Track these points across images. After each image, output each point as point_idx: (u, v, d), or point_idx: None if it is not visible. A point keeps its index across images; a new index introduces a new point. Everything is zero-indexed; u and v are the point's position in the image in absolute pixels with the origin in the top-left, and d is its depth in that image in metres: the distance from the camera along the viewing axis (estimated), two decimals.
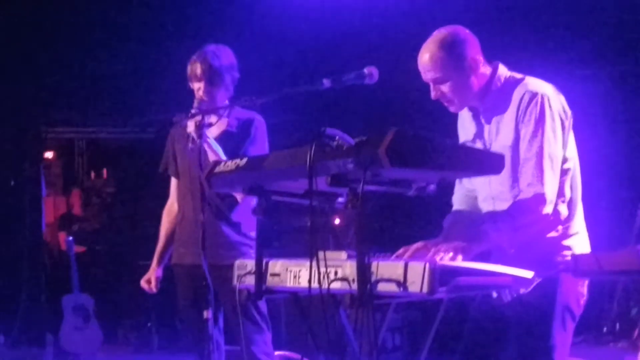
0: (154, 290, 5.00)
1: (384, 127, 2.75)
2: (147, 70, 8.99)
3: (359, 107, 8.15)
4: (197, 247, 4.30)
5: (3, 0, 8.39)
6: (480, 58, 3.46)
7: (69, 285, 8.54)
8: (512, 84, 3.44)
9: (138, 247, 10.11)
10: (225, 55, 4.70)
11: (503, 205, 3.39)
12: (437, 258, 3.00)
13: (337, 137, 2.85)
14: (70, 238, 8.88)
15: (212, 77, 4.62)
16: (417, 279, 2.74)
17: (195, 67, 4.65)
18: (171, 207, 5.02)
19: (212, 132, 4.66)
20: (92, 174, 12.29)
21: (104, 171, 12.13)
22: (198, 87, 4.66)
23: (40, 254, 9.52)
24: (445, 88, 3.42)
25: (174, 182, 4.99)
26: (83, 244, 10.38)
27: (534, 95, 3.35)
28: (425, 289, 2.72)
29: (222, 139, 4.63)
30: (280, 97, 3.62)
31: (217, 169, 3.35)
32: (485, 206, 3.54)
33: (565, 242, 3.39)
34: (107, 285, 9.82)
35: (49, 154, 11.71)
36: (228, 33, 7.35)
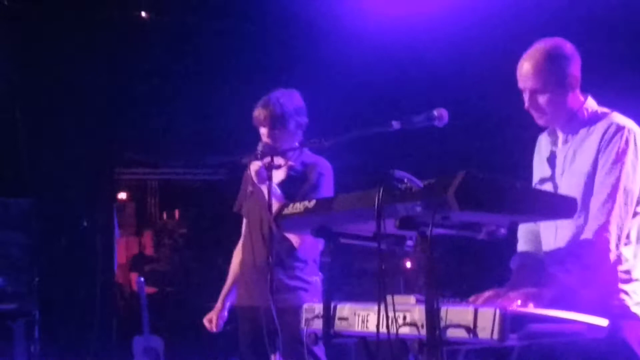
0: (214, 329, 4.99)
1: (453, 170, 2.71)
2: (219, 112, 9.07)
3: (428, 149, 8.11)
4: (254, 290, 4.28)
5: (78, 43, 8.55)
6: (579, 78, 3.43)
7: (140, 326, 8.59)
8: (599, 116, 3.41)
9: (208, 288, 10.16)
10: (289, 101, 4.71)
11: (565, 233, 3.33)
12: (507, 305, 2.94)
13: (405, 180, 2.82)
14: (142, 279, 8.95)
15: (274, 122, 4.65)
16: (488, 325, 2.69)
17: (259, 113, 4.69)
18: (240, 249, 5.03)
19: (277, 176, 4.65)
20: (164, 215, 12.41)
21: (176, 212, 12.24)
22: (263, 131, 4.70)
23: (112, 295, 9.61)
24: (542, 99, 3.39)
25: (245, 222, 5.00)
26: (154, 285, 10.47)
27: (620, 127, 3.32)
28: (495, 336, 2.67)
29: (285, 182, 4.62)
30: (350, 138, 3.60)
31: (286, 211, 3.34)
32: (547, 234, 3.47)
33: (624, 287, 3.30)
34: (177, 327, 9.86)
35: (122, 195, 11.86)
36: (297, 74, 7.38)
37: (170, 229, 12.09)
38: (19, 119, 8.95)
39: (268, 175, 4.30)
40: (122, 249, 11.51)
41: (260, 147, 4.53)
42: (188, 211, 11.85)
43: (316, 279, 4.69)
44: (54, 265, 8.68)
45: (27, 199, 8.63)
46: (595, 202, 3.26)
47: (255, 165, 4.45)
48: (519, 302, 2.97)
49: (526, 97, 3.42)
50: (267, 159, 4.35)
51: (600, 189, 3.26)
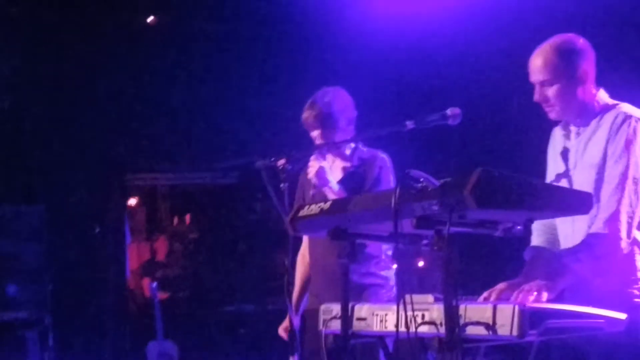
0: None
1: (469, 168, 2.72)
2: (229, 115, 9.08)
3: (443, 148, 8.11)
4: (328, 292, 4.25)
5: (89, 49, 8.57)
6: (592, 73, 3.44)
7: (153, 331, 8.60)
8: (608, 108, 3.43)
9: (221, 292, 10.18)
10: (336, 98, 4.66)
11: (582, 225, 3.33)
12: (521, 297, 2.96)
13: (422, 179, 2.82)
14: (154, 284, 8.96)
15: (324, 122, 4.59)
16: (507, 321, 2.70)
17: (308, 115, 4.63)
18: (304, 253, 4.95)
19: (335, 174, 4.60)
20: (175, 220, 12.41)
21: (187, 217, 12.24)
22: (315, 134, 4.65)
23: (124, 301, 9.63)
24: (550, 92, 3.41)
25: None
26: (166, 290, 10.47)
27: (627, 117, 3.33)
28: (515, 332, 2.68)
29: (345, 179, 4.58)
30: (364, 138, 3.61)
31: (302, 213, 3.34)
32: (563, 227, 3.48)
33: None
34: (191, 332, 9.86)
35: (132, 201, 11.87)
36: (309, 77, 7.40)
37: (181, 234, 12.09)
38: (29, 126, 8.99)
39: (318, 175, 4.21)
40: (134, 255, 11.52)
41: (315, 150, 4.49)
42: (199, 216, 11.86)
43: (391, 273, 4.58)
44: (66, 272, 8.71)
45: (38, 206, 8.67)
46: (605, 192, 3.27)
47: (313, 168, 4.41)
48: (535, 293, 2.98)
49: (536, 90, 3.44)
50: (316, 163, 4.30)
51: (609, 178, 3.28)
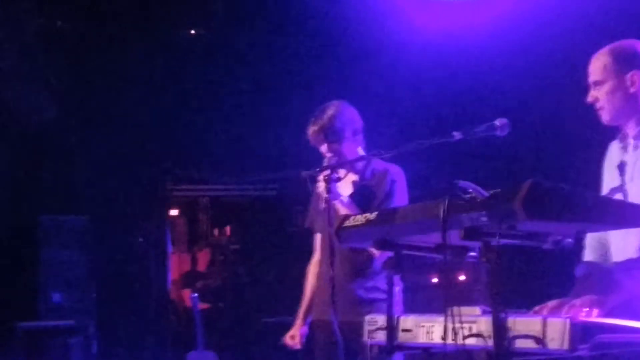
0: (298, 346, 4.96)
1: (518, 179, 2.69)
2: (271, 128, 9.11)
3: (492, 159, 8.05)
4: (332, 304, 4.27)
5: (130, 62, 8.64)
6: None
7: (194, 342, 8.62)
8: None
9: (261, 304, 10.18)
10: (337, 110, 4.70)
11: (634, 239, 3.29)
12: (572, 312, 2.92)
13: (470, 190, 2.80)
14: (195, 295, 8.98)
15: (329, 136, 4.64)
16: (557, 335, 2.66)
17: (312, 131, 4.70)
18: (316, 263, 5.01)
19: (345, 188, 4.63)
20: (216, 231, 12.45)
21: (228, 228, 12.27)
22: (322, 149, 4.69)
23: (166, 311, 9.67)
24: (599, 91, 3.40)
25: (317, 238, 4.98)
26: (207, 301, 10.49)
27: None
28: (565, 346, 2.64)
29: (357, 193, 4.61)
30: (411, 149, 3.60)
31: (347, 223, 3.33)
32: (616, 241, 3.43)
33: None
34: (231, 342, 9.87)
35: (174, 212, 11.92)
36: (351, 88, 7.39)
37: (222, 245, 12.11)
38: (74, 137, 9.07)
39: (329, 189, 4.27)
40: (175, 266, 11.56)
41: (326, 162, 4.53)
42: (240, 227, 11.89)
43: (397, 289, 4.62)
44: (110, 281, 8.77)
45: (81, 216, 8.74)
46: None
47: (322, 182, 4.43)
48: (586, 308, 2.94)
49: (589, 92, 3.42)
50: (327, 172, 4.33)
51: None
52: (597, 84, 3.40)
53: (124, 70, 8.73)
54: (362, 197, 4.59)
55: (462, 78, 8.16)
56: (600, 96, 3.39)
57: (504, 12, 7.30)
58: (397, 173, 4.70)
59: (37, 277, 8.41)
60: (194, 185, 10.95)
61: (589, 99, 3.44)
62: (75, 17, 8.45)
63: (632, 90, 3.39)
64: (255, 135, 9.33)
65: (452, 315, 2.87)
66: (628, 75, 3.38)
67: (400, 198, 4.63)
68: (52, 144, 8.99)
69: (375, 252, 4.55)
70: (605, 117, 3.46)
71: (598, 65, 3.40)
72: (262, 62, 8.81)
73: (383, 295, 4.61)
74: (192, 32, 9.03)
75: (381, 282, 4.64)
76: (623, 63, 3.38)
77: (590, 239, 3.58)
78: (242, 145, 9.51)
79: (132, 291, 9.06)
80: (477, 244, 2.90)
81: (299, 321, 4.98)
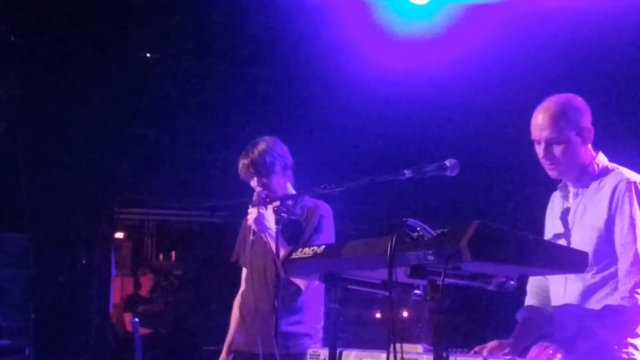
0: None
1: (465, 220, 2.72)
2: (219, 156, 9.09)
3: (439, 198, 8.12)
4: (256, 336, 4.31)
5: (81, 81, 8.57)
6: (592, 132, 3.49)
7: None
8: (609, 171, 3.48)
9: (203, 331, 10.11)
10: (267, 145, 4.75)
11: (576, 286, 3.37)
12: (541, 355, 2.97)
13: (418, 228, 2.82)
14: (137, 319, 8.90)
15: (259, 170, 4.69)
16: None
17: (242, 165, 4.74)
18: (240, 295, 5.02)
19: (273, 221, 4.65)
20: (161, 256, 12.38)
21: (173, 253, 12.22)
22: (252, 183, 4.74)
23: (106, 334, 9.54)
24: (557, 150, 3.44)
25: (244, 271, 5.00)
26: (148, 325, 10.40)
27: (630, 183, 3.37)
28: None
29: (285, 228, 4.63)
30: (361, 185, 3.62)
31: (294, 255, 3.33)
32: (556, 287, 3.50)
33: (633, 341, 3.33)
34: None
35: (119, 234, 11.83)
36: (308, 121, 7.43)
37: (166, 270, 12.06)
38: (20, 153, 8.96)
39: (276, 220, 4.29)
40: (117, 289, 11.46)
41: (255, 196, 4.57)
42: (185, 253, 11.84)
43: (320, 325, 4.69)
44: (50, 302, 8.64)
45: (25, 234, 8.62)
46: (622, 266, 3.32)
47: (252, 214, 4.47)
48: (551, 351, 2.99)
49: (541, 147, 3.46)
50: (256, 209, 4.37)
51: (623, 251, 3.32)
52: (554, 141, 3.43)
53: (76, 89, 8.65)
54: (290, 232, 4.62)
55: (415, 116, 8.23)
56: (559, 155, 3.44)
57: (458, 55, 7.39)
58: (326, 209, 4.77)
59: None
60: (141, 208, 10.88)
61: (543, 155, 3.47)
62: (29, 32, 8.36)
63: (584, 146, 3.46)
64: (204, 161, 9.30)
65: (395, 352, 2.88)
66: (582, 132, 3.44)
67: (328, 234, 4.70)
68: None
69: (302, 286, 4.58)
70: (556, 174, 3.52)
71: (551, 121, 3.43)
72: (215, 89, 8.80)
73: (306, 330, 4.66)
74: (148, 55, 8.99)
75: (306, 317, 4.69)
76: (575, 119, 3.44)
77: (531, 285, 3.65)
78: (190, 171, 9.47)
79: (72, 313, 8.93)
80: (422, 282, 2.92)
81: (224, 353, 5.01)
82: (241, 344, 4.85)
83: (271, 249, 4.38)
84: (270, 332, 4.31)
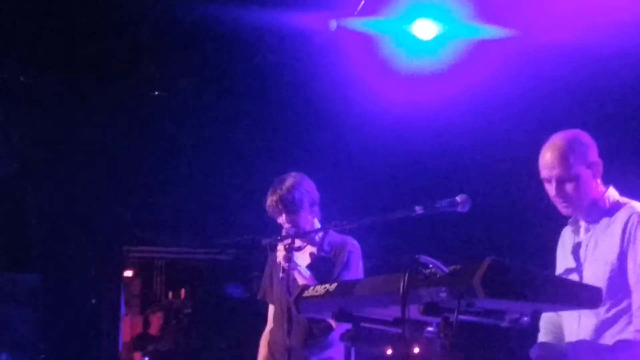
0: None
1: (479, 256, 2.72)
2: (229, 194, 9.10)
3: (450, 234, 8.10)
4: None
5: (89, 120, 8.60)
6: (601, 165, 3.49)
7: None
8: (620, 205, 3.47)
9: None
10: (296, 181, 4.74)
11: (589, 321, 3.36)
12: None
13: (430, 265, 2.82)
14: (146, 358, 8.87)
15: (288, 207, 4.67)
16: None
17: (270, 202, 4.72)
18: (268, 333, 5.00)
19: (303, 258, 4.65)
20: (170, 294, 12.34)
21: (182, 291, 12.18)
22: (280, 220, 4.73)
23: None
24: (569, 187, 3.43)
25: (271, 308, 4.98)
26: None
27: None
28: None
29: (314, 264, 4.62)
30: (372, 222, 3.62)
31: (306, 293, 3.34)
32: (569, 322, 3.48)
33: None
34: None
35: (128, 273, 11.81)
36: (320, 156, 7.44)
37: (175, 309, 12.01)
38: (30, 194, 8.98)
39: (289, 258, 4.28)
40: (127, 328, 11.41)
41: (284, 232, 4.56)
42: (194, 291, 11.80)
43: None
44: (59, 342, 8.62)
45: (34, 274, 8.62)
46: (636, 300, 3.31)
47: (281, 251, 4.44)
48: None
49: (552, 186, 3.45)
50: (287, 241, 4.34)
51: (637, 284, 3.31)
52: (565, 179, 3.43)
53: (83, 128, 8.67)
54: (320, 269, 4.61)
55: (424, 151, 8.24)
56: (571, 192, 3.43)
57: (468, 88, 7.40)
58: (354, 245, 4.75)
59: None
60: (150, 246, 10.87)
61: (555, 194, 3.46)
62: (36, 72, 8.41)
63: (594, 180, 3.46)
64: (214, 199, 9.31)
65: None
66: (592, 167, 3.45)
67: (356, 270, 4.68)
68: (7, 199, 8.89)
69: (333, 323, 4.55)
70: (569, 211, 3.51)
71: (560, 159, 3.43)
72: (224, 126, 8.82)
73: None
74: (155, 93, 9.02)
75: (336, 353, 4.63)
76: (584, 156, 3.44)
77: (544, 322, 3.63)
78: (200, 209, 9.48)
79: (81, 353, 8.91)
80: (435, 319, 2.92)
81: None
82: None
83: (295, 286, 4.33)
84: None
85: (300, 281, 4.45)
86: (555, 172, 3.44)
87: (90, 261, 9.18)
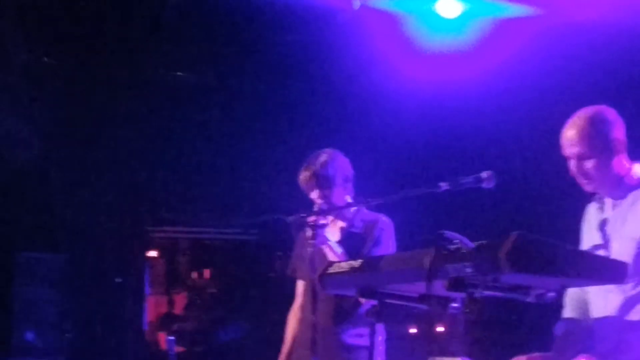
0: None
1: (504, 231, 2.70)
2: (253, 172, 9.11)
3: (475, 210, 8.07)
4: (316, 350, 4.25)
5: (115, 102, 8.63)
6: (625, 144, 3.44)
7: None
8: None
9: (236, 349, 10.11)
10: (330, 158, 4.74)
11: (616, 298, 3.34)
12: None
13: (456, 240, 2.81)
14: (172, 338, 8.89)
15: (321, 182, 4.67)
16: None
17: (304, 177, 4.72)
18: (297, 310, 5.00)
19: (333, 234, 4.64)
20: (195, 274, 12.38)
21: (207, 271, 12.21)
22: (313, 195, 4.71)
23: (141, 353, 9.56)
24: (588, 165, 3.42)
25: (300, 285, 4.98)
26: (183, 344, 10.40)
27: None
28: None
29: (345, 240, 4.61)
30: (397, 199, 3.61)
31: (331, 270, 3.34)
32: (596, 300, 3.46)
33: None
34: None
35: (153, 253, 11.85)
36: (344, 134, 7.43)
37: (200, 288, 12.05)
38: (55, 176, 9.03)
39: (317, 233, 4.25)
40: (152, 307, 11.47)
41: (316, 208, 4.55)
42: (218, 271, 11.82)
43: (380, 338, 4.59)
44: (85, 322, 8.68)
45: (60, 255, 8.68)
46: None
47: (309, 227, 4.43)
48: None
49: (572, 163, 3.43)
50: (313, 218, 4.33)
51: None
52: (584, 157, 3.41)
53: (109, 110, 8.71)
54: (350, 244, 4.59)
55: (448, 129, 8.21)
56: (590, 170, 3.42)
57: (492, 66, 7.36)
58: (386, 223, 4.73)
59: (11, 315, 8.31)
60: (174, 227, 10.90)
61: (574, 171, 3.45)
62: (63, 54, 8.43)
63: (616, 158, 3.43)
64: (238, 178, 9.32)
65: None
66: (613, 144, 3.42)
67: (387, 247, 4.65)
68: (33, 180, 8.94)
69: (362, 299, 4.54)
70: (591, 188, 3.49)
71: (578, 136, 3.41)
72: (249, 106, 8.82)
73: (366, 343, 4.57)
74: (180, 74, 9.04)
75: (365, 330, 4.61)
76: (605, 133, 3.42)
77: (569, 298, 3.61)
78: (224, 188, 9.49)
79: (107, 332, 8.97)
80: (459, 295, 2.91)
81: None
82: (298, 358, 4.82)
83: (322, 261, 4.33)
84: (332, 344, 4.30)
85: (331, 257, 4.44)
86: (575, 150, 3.42)
87: (114, 241, 9.23)
